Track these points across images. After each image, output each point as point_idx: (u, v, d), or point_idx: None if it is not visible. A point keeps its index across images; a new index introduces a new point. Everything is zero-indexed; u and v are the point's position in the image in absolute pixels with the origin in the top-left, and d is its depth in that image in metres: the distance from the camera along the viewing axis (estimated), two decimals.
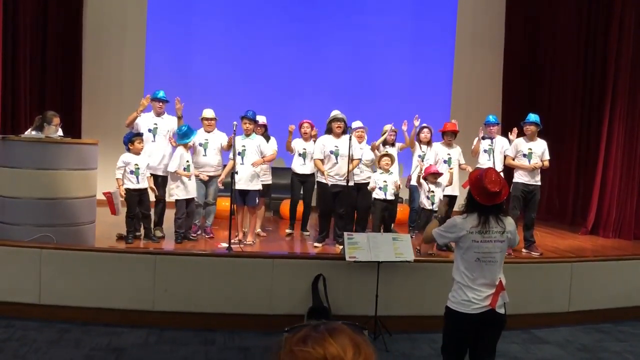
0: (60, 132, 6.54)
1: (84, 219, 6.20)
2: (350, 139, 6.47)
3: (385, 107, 9.87)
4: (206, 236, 7.15)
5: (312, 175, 7.64)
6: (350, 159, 6.51)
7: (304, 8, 10.51)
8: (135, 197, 6.54)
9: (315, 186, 7.28)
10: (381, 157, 6.94)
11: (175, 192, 6.67)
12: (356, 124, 7.21)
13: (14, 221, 5.88)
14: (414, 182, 7.62)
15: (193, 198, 6.82)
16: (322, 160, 6.89)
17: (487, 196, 3.43)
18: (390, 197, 6.80)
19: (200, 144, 7.02)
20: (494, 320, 3.45)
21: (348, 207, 6.84)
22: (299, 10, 10.49)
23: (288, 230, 7.73)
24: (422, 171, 6.87)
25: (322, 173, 6.83)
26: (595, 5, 9.21)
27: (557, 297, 6.07)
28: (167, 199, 7.01)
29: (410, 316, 5.65)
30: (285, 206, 8.57)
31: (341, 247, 5.95)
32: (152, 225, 6.85)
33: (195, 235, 7.05)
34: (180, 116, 7.08)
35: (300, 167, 7.65)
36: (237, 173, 6.54)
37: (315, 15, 10.50)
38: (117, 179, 6.50)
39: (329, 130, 6.98)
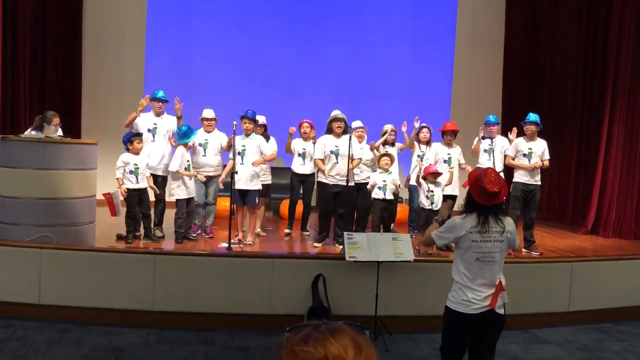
0: (60, 132, 6.54)
1: (84, 219, 6.19)
2: (350, 139, 6.47)
3: (385, 107, 9.88)
4: (206, 236, 7.15)
5: (312, 175, 7.64)
6: (351, 159, 6.51)
7: (304, 8, 10.51)
8: (135, 197, 6.54)
9: (316, 186, 7.28)
10: (381, 157, 6.95)
11: (176, 191, 6.66)
12: (356, 123, 7.22)
13: (14, 221, 5.88)
14: (413, 182, 7.62)
15: (193, 197, 6.82)
16: (322, 160, 6.89)
17: (486, 196, 3.43)
18: (389, 197, 6.80)
19: (200, 144, 7.01)
20: (493, 320, 3.45)
21: (348, 207, 6.84)
22: (299, 10, 10.49)
23: (287, 230, 7.73)
24: (422, 171, 6.87)
25: (323, 172, 6.82)
26: (595, 5, 9.21)
27: (557, 296, 6.07)
28: (167, 199, 7.01)
29: (410, 316, 5.65)
30: (285, 206, 8.57)
31: (341, 247, 5.95)
32: (152, 225, 6.85)
33: (195, 235, 7.05)
34: (179, 116, 7.07)
35: (300, 167, 7.65)
36: (237, 173, 6.54)
37: (315, 15, 10.50)
38: (117, 178, 6.49)
39: (329, 130, 6.98)
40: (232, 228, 6.27)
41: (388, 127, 7.77)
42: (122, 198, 6.54)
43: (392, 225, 7.32)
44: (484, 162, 7.17)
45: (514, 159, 7.15)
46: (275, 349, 1.28)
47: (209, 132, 7.09)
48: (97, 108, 9.86)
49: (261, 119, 7.61)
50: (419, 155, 7.73)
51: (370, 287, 5.42)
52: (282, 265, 5.69)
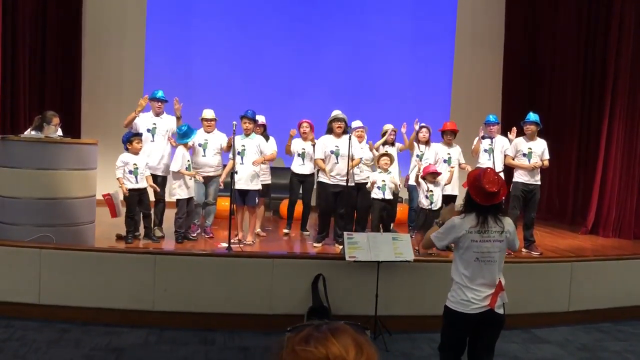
0: (59, 132, 6.54)
1: (84, 219, 6.19)
2: (350, 139, 6.47)
3: (385, 106, 9.88)
4: (206, 236, 7.15)
5: (311, 175, 7.65)
6: (351, 159, 6.51)
7: (304, 8, 10.50)
8: (135, 197, 6.54)
9: (316, 186, 7.28)
10: (380, 156, 6.94)
11: (178, 191, 6.66)
12: (356, 123, 7.22)
13: (14, 221, 5.87)
14: (412, 181, 7.62)
15: (192, 197, 6.82)
16: (322, 160, 6.89)
17: (485, 196, 3.43)
18: (388, 196, 6.80)
19: (200, 144, 7.01)
20: (492, 320, 3.46)
21: (348, 207, 6.84)
22: (299, 10, 10.48)
23: (285, 231, 7.73)
24: (420, 171, 6.87)
25: (324, 171, 6.82)
26: (595, 5, 9.22)
27: (557, 296, 6.07)
28: (168, 199, 7.01)
29: (410, 316, 5.65)
30: (285, 206, 8.57)
31: (341, 246, 5.95)
32: (152, 225, 6.84)
33: (195, 235, 7.05)
34: (179, 116, 7.07)
35: (299, 167, 7.64)
36: (236, 173, 6.54)
37: (315, 15, 10.50)
38: (118, 178, 6.49)
39: (330, 130, 6.98)
40: (232, 228, 6.27)
41: (388, 127, 7.78)
42: (122, 198, 6.54)
43: (392, 225, 7.32)
44: (484, 162, 7.17)
45: (513, 159, 7.15)
46: (276, 349, 1.28)
47: (208, 132, 7.09)
48: (97, 108, 9.86)
49: (260, 118, 7.61)
50: (418, 155, 7.73)
51: (370, 287, 5.42)
52: (282, 265, 5.69)
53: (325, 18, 10.50)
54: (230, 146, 6.75)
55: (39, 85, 9.39)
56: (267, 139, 7.45)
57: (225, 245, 6.23)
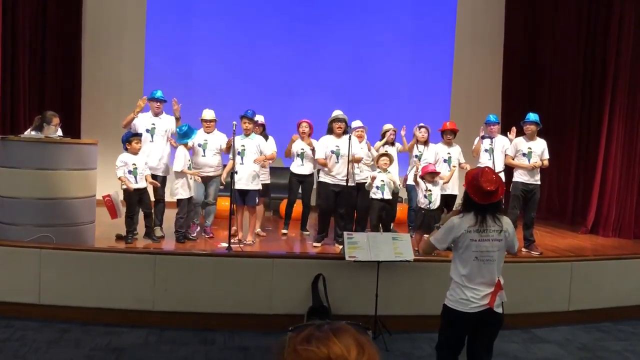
0: (59, 132, 6.54)
1: (84, 219, 6.19)
2: (349, 139, 6.47)
3: (385, 106, 9.88)
4: (206, 236, 7.15)
5: (311, 175, 7.66)
6: (352, 158, 6.51)
7: (304, 8, 10.50)
8: (135, 197, 6.54)
9: (316, 186, 7.28)
10: (380, 156, 6.94)
11: (180, 191, 6.66)
12: (356, 123, 7.22)
13: (14, 221, 5.87)
14: (410, 181, 7.62)
15: (192, 196, 6.83)
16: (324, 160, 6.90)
17: (483, 195, 3.43)
18: (387, 196, 6.79)
19: (200, 145, 7.00)
20: (491, 319, 3.46)
21: (348, 207, 6.84)
22: (299, 10, 10.48)
23: (283, 231, 7.73)
24: (419, 170, 6.86)
25: (326, 167, 6.81)
26: (595, 5, 9.22)
27: (557, 296, 6.07)
28: (168, 199, 7.01)
29: (410, 316, 5.65)
30: (284, 206, 8.56)
31: (341, 246, 5.95)
32: (152, 225, 6.84)
33: (195, 235, 7.05)
34: (178, 117, 7.06)
35: (299, 167, 7.64)
36: (236, 173, 6.54)
37: (315, 15, 10.49)
38: (119, 177, 6.48)
39: (330, 131, 6.99)
40: (232, 228, 6.27)
41: (388, 126, 7.77)
42: (122, 198, 6.54)
43: (391, 225, 7.32)
44: (485, 161, 7.16)
45: (513, 159, 7.15)
46: (277, 349, 1.28)
47: (208, 133, 7.08)
48: (97, 108, 9.86)
49: (259, 118, 7.60)
50: (416, 155, 7.71)
51: (370, 287, 5.42)
52: (282, 265, 5.69)
53: (325, 18, 10.50)
54: (229, 148, 6.75)
55: (39, 85, 9.38)
56: (266, 138, 7.44)
57: (225, 245, 6.23)
